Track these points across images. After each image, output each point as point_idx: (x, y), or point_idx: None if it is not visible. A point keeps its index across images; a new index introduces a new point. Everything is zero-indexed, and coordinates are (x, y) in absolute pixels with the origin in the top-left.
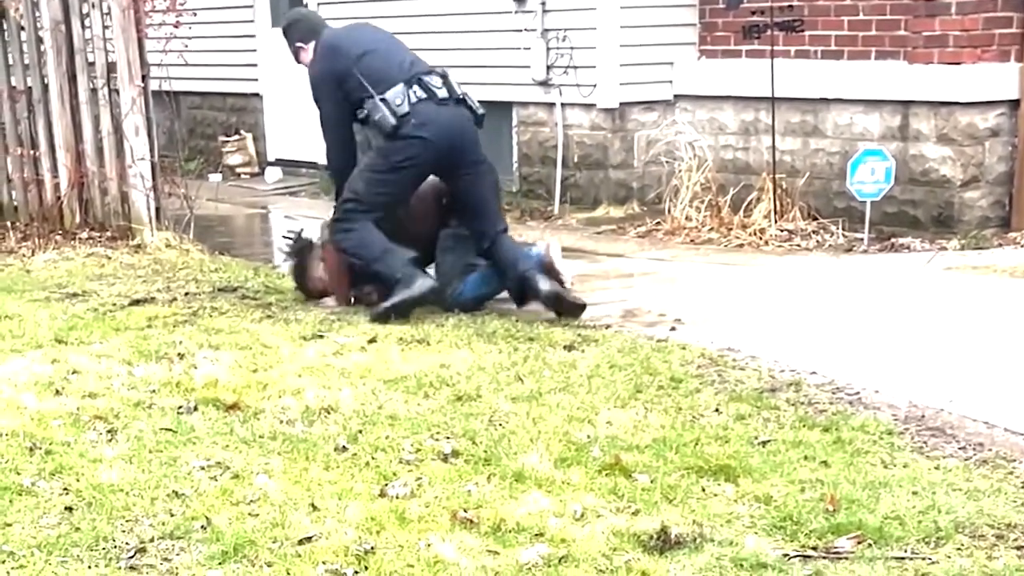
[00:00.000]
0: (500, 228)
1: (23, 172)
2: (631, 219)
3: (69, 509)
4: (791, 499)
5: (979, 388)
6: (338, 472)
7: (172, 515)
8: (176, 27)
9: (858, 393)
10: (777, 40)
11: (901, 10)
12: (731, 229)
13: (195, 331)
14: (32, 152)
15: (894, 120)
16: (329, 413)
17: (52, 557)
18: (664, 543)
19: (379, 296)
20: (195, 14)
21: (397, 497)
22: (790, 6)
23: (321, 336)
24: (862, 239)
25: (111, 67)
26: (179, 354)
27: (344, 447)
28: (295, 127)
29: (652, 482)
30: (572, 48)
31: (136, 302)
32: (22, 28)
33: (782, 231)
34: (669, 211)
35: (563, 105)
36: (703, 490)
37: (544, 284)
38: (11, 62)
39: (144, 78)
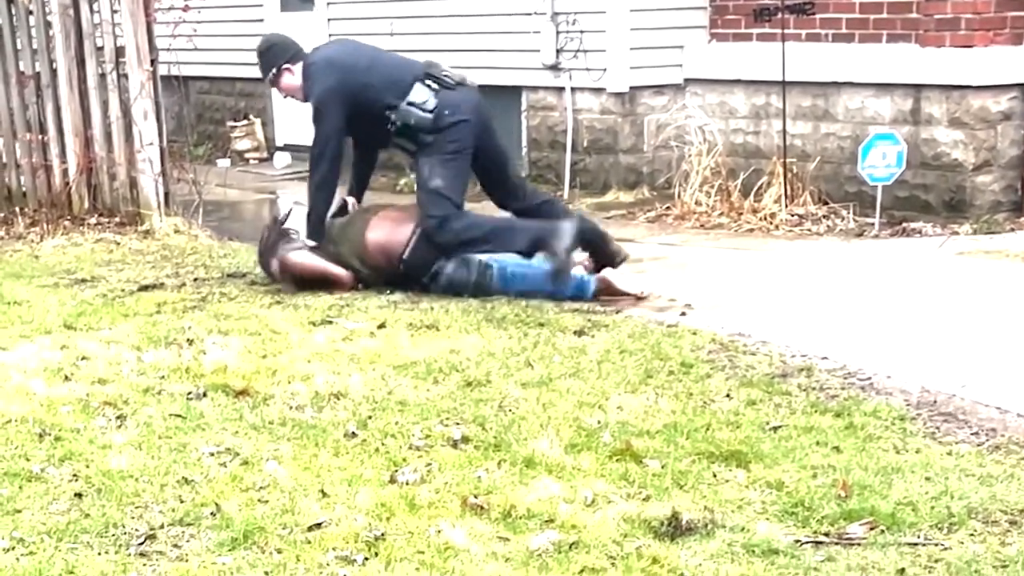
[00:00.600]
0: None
1: (31, 157)
2: (641, 204)
3: (78, 495)
4: (803, 485)
5: (992, 373)
6: (348, 458)
7: (182, 501)
8: (185, 11)
9: (870, 378)
10: (788, 23)
11: None
12: (741, 214)
13: (204, 317)
14: (40, 137)
15: (906, 104)
16: (339, 399)
17: (61, 543)
18: (675, 529)
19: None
20: None
21: (407, 483)
22: None
23: (330, 322)
24: (873, 224)
25: (120, 51)
26: (188, 340)
27: (354, 433)
28: (303, 113)
29: (663, 468)
30: (582, 32)
31: (145, 288)
32: (30, 13)
33: (793, 216)
34: (679, 196)
35: (573, 89)
36: (714, 476)
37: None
38: (19, 47)
39: (153, 63)
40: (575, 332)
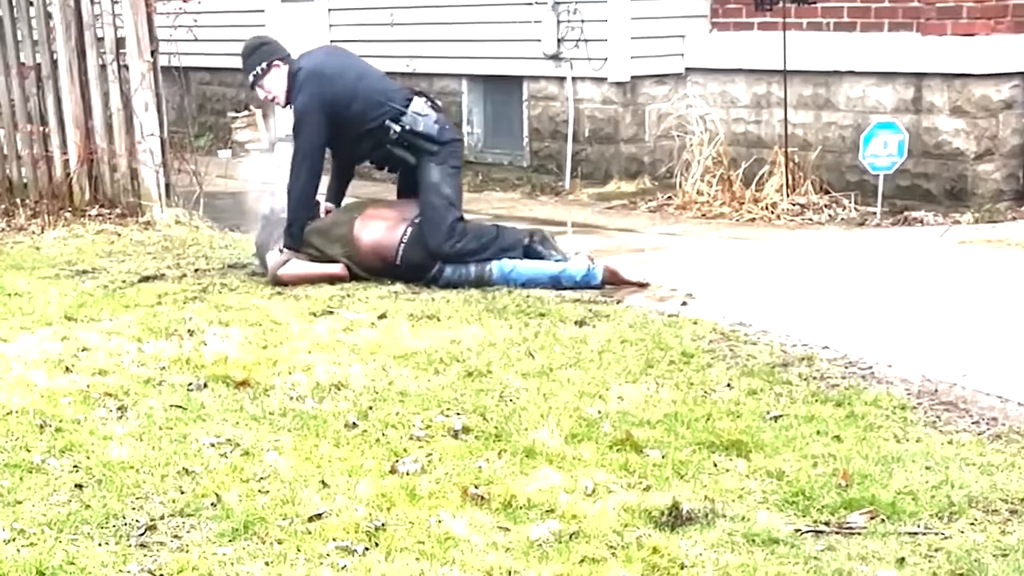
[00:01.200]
0: None
1: (32, 149)
2: (642, 194)
3: (79, 487)
4: (803, 474)
5: (993, 362)
6: (348, 449)
7: (182, 492)
8: (185, 2)
9: (871, 367)
10: (789, 12)
11: None
12: (743, 203)
13: (205, 308)
14: (41, 129)
15: (907, 92)
16: (339, 389)
17: (62, 535)
18: (676, 519)
19: None
20: None
21: (407, 474)
22: None
23: (331, 312)
24: (875, 213)
25: (120, 42)
26: (189, 331)
27: (354, 424)
28: None
29: (663, 458)
30: (583, 21)
31: (146, 279)
32: (31, 3)
33: (794, 205)
34: (680, 185)
35: (574, 79)
36: (715, 465)
37: None
38: (20, 38)
39: (153, 53)
40: (576, 322)
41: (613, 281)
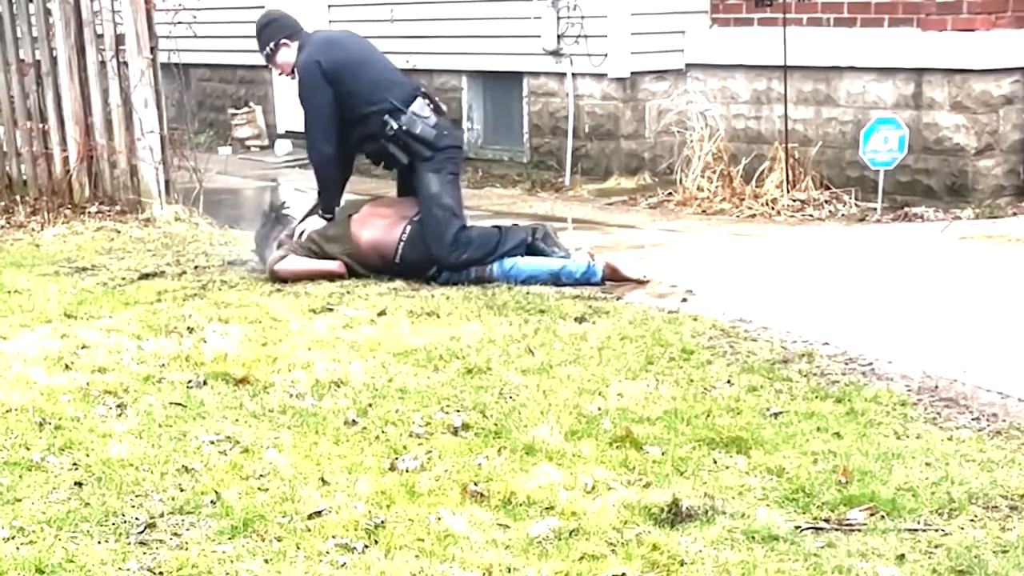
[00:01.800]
0: None
1: (32, 146)
2: (642, 190)
3: (79, 484)
4: (803, 471)
5: (993, 358)
6: (348, 446)
7: (182, 490)
8: None
9: (871, 364)
10: (789, 8)
11: None
12: (743, 199)
13: (204, 305)
14: (41, 126)
15: (907, 88)
16: (339, 387)
17: (62, 532)
18: (675, 516)
19: None
20: None
21: (407, 471)
22: None
23: (331, 309)
24: (875, 208)
25: (120, 39)
26: (188, 328)
27: (354, 421)
28: None
29: (663, 454)
30: (583, 17)
31: (145, 276)
32: (30, 0)
33: (794, 201)
34: (681, 181)
35: (574, 75)
36: (715, 462)
37: None
38: (19, 35)
39: (153, 50)
40: (576, 319)
41: (613, 278)
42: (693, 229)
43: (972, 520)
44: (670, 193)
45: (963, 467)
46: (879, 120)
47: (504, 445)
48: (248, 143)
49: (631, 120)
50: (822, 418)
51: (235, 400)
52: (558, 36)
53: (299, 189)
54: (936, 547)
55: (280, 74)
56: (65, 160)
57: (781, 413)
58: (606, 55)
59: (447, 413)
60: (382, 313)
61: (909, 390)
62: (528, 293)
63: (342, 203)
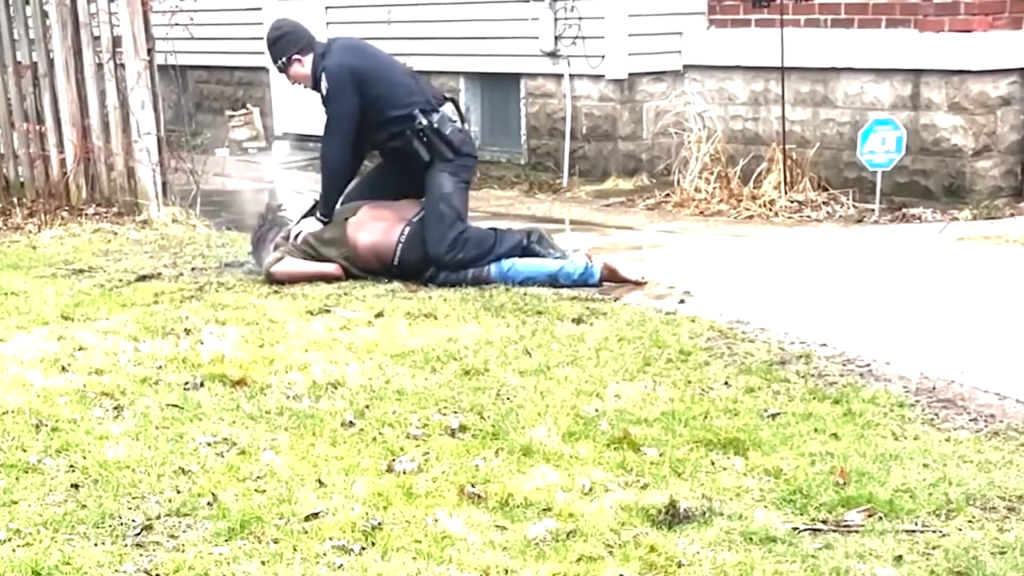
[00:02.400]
0: None
1: (29, 148)
2: (640, 191)
3: (75, 486)
4: (801, 472)
5: (991, 359)
6: (345, 448)
7: (179, 492)
8: None
9: (869, 365)
10: (787, 9)
11: None
12: (741, 200)
13: (201, 306)
14: (38, 128)
15: (905, 89)
16: (336, 388)
17: (58, 534)
18: (673, 517)
19: None
20: None
21: (404, 472)
22: None
23: (328, 311)
24: (873, 210)
25: (116, 41)
26: (185, 330)
27: (351, 422)
28: (303, 101)
29: (661, 456)
30: (580, 18)
31: (142, 278)
32: (27, 2)
33: (792, 202)
34: (678, 183)
35: (571, 76)
36: (712, 464)
37: None
38: (16, 37)
39: (150, 52)
40: (573, 320)
41: (611, 279)
42: (691, 230)
43: (970, 521)
44: (668, 194)
45: (961, 468)
46: (876, 121)
47: (501, 447)
48: (245, 145)
49: (629, 121)
50: (820, 419)
51: (232, 402)
52: (555, 37)
53: (297, 191)
54: (934, 548)
55: (293, 83)
56: (62, 162)
57: (779, 414)
58: (603, 56)
59: (444, 415)
60: (379, 315)
61: (907, 391)
62: (526, 294)
63: (337, 208)
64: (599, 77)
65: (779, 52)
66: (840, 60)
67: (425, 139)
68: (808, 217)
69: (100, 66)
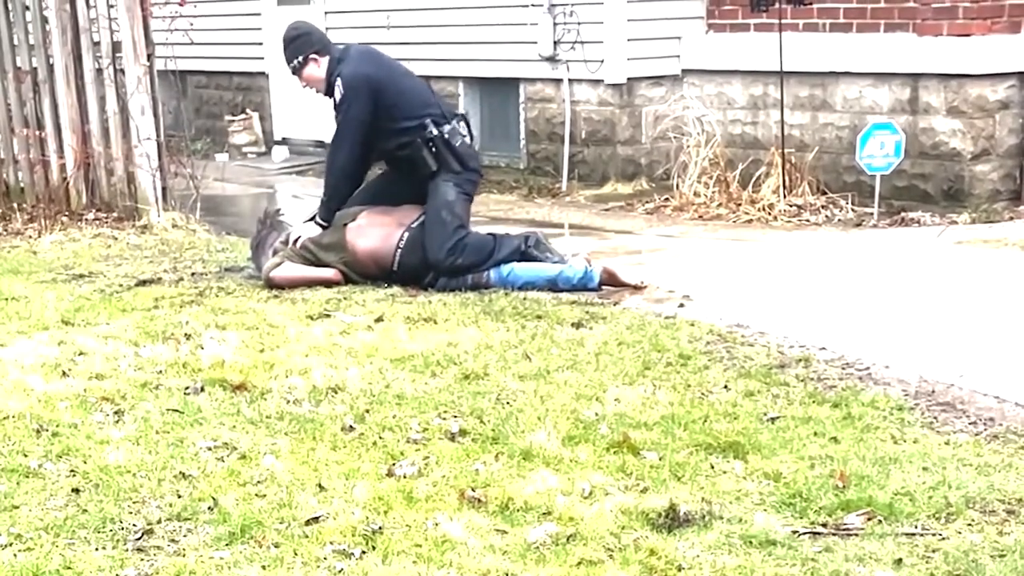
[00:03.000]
0: None
1: (29, 153)
2: (639, 195)
3: (76, 491)
4: (800, 476)
5: (990, 362)
6: (345, 452)
7: (179, 496)
8: (181, 5)
9: (868, 368)
10: (785, 13)
11: None
12: (740, 205)
13: (202, 311)
14: (38, 133)
15: (903, 93)
16: (336, 393)
17: (59, 539)
18: (673, 521)
19: None
20: None
21: (404, 476)
22: None
23: (328, 315)
24: (872, 213)
25: (116, 46)
26: (186, 334)
27: (351, 427)
28: (302, 106)
29: (660, 459)
30: (579, 23)
31: (143, 283)
32: (27, 7)
33: (791, 206)
34: (677, 187)
35: (570, 81)
36: (712, 467)
37: None
38: (16, 42)
39: (150, 57)
40: (573, 324)
41: (610, 283)
42: (690, 234)
43: (969, 524)
44: (667, 198)
45: (960, 471)
46: (875, 125)
47: (501, 451)
48: (245, 150)
49: (628, 126)
50: (819, 423)
51: (232, 406)
52: (554, 42)
53: (296, 195)
54: (933, 551)
55: (305, 86)
56: (62, 167)
57: (778, 418)
58: (602, 61)
59: (444, 419)
60: (379, 319)
61: (906, 395)
62: (525, 299)
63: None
64: (598, 82)
65: (778, 56)
66: (839, 64)
67: (434, 149)
68: (807, 221)
69: (100, 71)
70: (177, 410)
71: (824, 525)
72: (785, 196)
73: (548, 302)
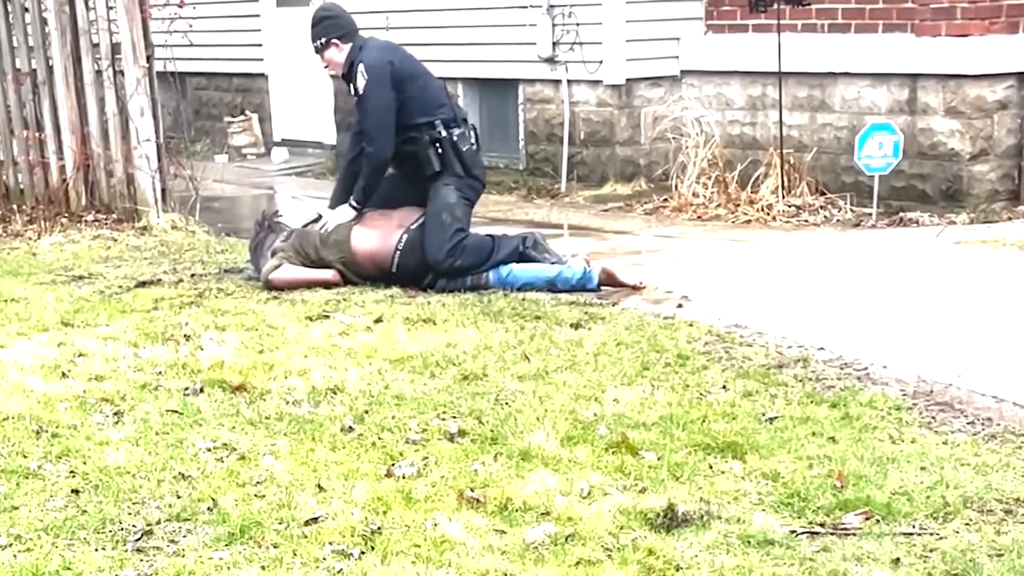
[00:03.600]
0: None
1: (29, 155)
2: (638, 196)
3: (76, 492)
4: (799, 475)
5: (988, 362)
6: (344, 452)
7: (179, 497)
8: (180, 7)
9: (866, 368)
10: (784, 14)
11: None
12: (738, 205)
13: (201, 312)
14: (37, 135)
15: (902, 94)
16: (335, 393)
17: (59, 540)
18: (671, 521)
19: None
20: None
21: (403, 477)
22: None
23: (327, 316)
24: (870, 214)
25: (116, 48)
26: (185, 336)
27: (350, 427)
28: (301, 107)
29: (659, 460)
30: (578, 24)
31: (142, 284)
32: (26, 9)
33: (790, 207)
34: (676, 188)
35: (569, 82)
36: (710, 467)
37: None
38: (16, 44)
39: (149, 59)
40: (571, 325)
41: (609, 283)
42: (689, 235)
43: (967, 524)
44: (666, 199)
45: (958, 471)
46: (874, 126)
47: (500, 451)
48: (244, 151)
49: (626, 127)
50: (817, 423)
51: (232, 407)
52: (553, 43)
53: (295, 197)
54: (931, 551)
55: (325, 67)
56: (62, 169)
57: (776, 418)
58: (601, 62)
59: (443, 419)
60: (378, 320)
61: (904, 395)
62: (524, 299)
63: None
64: (597, 83)
65: (776, 57)
66: (837, 65)
67: (440, 149)
68: (806, 221)
69: (99, 73)
70: (176, 411)
71: (822, 525)
72: (784, 196)
73: (547, 303)
